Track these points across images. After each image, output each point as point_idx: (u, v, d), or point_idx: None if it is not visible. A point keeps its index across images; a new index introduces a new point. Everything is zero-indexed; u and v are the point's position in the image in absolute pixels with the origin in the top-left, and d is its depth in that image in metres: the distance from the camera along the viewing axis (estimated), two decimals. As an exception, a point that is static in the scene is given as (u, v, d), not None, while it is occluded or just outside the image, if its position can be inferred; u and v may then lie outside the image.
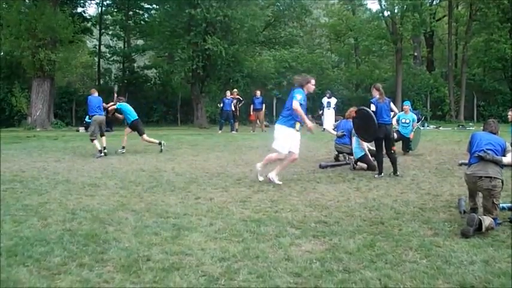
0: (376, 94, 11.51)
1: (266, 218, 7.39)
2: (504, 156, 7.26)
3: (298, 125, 10.30)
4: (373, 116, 11.07)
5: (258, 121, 28.01)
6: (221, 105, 26.69)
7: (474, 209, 7.44)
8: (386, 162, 11.45)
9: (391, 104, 11.59)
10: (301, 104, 10.03)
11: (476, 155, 7.15)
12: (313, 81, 10.57)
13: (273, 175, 10.34)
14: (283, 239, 6.30)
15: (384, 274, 5.11)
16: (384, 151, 11.46)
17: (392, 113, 11.95)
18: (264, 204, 8.36)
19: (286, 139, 10.21)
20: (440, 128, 30.10)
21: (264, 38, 39.25)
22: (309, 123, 10.01)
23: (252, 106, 27.71)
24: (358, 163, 12.15)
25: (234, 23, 31.93)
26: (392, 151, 11.50)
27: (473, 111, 37.98)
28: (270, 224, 6.99)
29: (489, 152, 7.11)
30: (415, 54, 44.14)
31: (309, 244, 6.12)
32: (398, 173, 11.25)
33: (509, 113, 12.89)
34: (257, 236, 6.44)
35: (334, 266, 5.33)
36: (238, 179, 10.88)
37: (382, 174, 11.27)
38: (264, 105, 28.16)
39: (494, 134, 7.61)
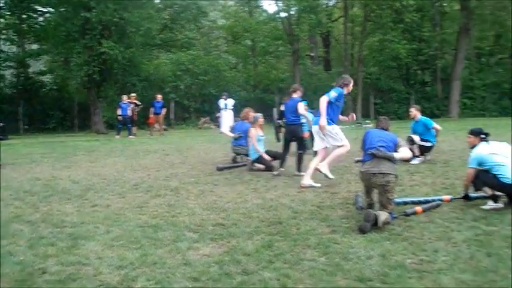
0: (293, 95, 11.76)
1: (163, 223, 7.31)
2: (396, 152, 7.44)
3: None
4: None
5: (156, 125, 27.76)
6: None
7: (370, 205, 7.59)
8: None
9: (299, 104, 11.49)
10: (332, 102, 9.95)
11: (369, 152, 7.29)
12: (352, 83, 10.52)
13: (325, 169, 10.04)
14: (181, 243, 6.25)
15: (283, 274, 5.14)
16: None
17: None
18: (162, 209, 8.27)
19: (339, 132, 10.12)
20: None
21: (161, 41, 38.94)
22: (323, 121, 9.87)
23: (151, 109, 27.43)
24: (256, 164, 12.17)
25: (130, 26, 31.59)
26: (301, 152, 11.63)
27: (369, 109, 38.89)
28: (168, 229, 6.92)
29: (381, 148, 7.27)
30: (312, 54, 44.90)
31: (207, 248, 6.08)
32: (302, 172, 11.15)
33: (412, 109, 13.26)
34: (155, 241, 6.36)
35: (233, 269, 5.32)
36: (135, 184, 10.67)
37: (282, 169, 11.65)
38: (164, 109, 27.94)
39: (386, 130, 7.81)
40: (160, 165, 13.48)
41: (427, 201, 7.98)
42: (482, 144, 7.98)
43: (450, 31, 43.55)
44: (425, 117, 13.11)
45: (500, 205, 7.51)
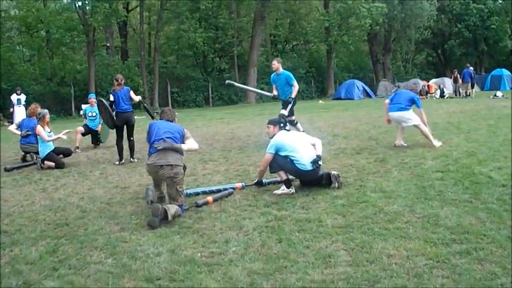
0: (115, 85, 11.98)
1: None
2: (183, 143, 7.32)
3: None
4: (108, 106, 11.63)
5: None
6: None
7: (161, 198, 7.47)
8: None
9: (131, 92, 11.91)
10: None
11: (156, 144, 7.10)
12: None
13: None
14: (-44, 257, 5.67)
15: (67, 281, 4.85)
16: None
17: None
18: None
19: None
20: (136, 116, 30.30)
21: None
22: None
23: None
24: (46, 162, 11.60)
25: None
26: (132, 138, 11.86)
27: (167, 98, 38.87)
28: None
29: (168, 140, 7.12)
30: (108, 44, 44.08)
31: (-14, 260, 5.57)
32: (135, 158, 11.86)
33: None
34: None
35: (13, 281, 4.95)
36: None
37: (123, 160, 11.69)
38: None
39: (172, 121, 7.67)
40: None
41: (219, 190, 7.96)
42: (282, 132, 8.20)
43: (246, 19, 44.65)
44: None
45: (291, 190, 7.62)
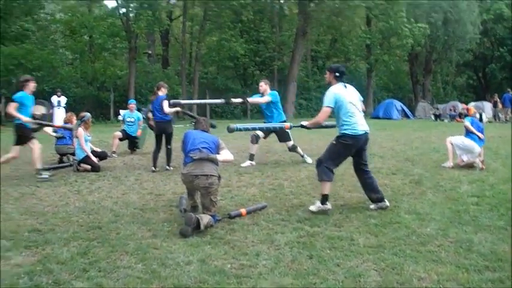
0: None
1: (-25, 229, 6.74)
2: (218, 154, 7.33)
3: None
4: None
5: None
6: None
7: (194, 207, 7.46)
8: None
9: (163, 102, 11.77)
10: None
11: (192, 154, 7.11)
12: None
13: None
14: (-9, 252, 5.74)
15: (96, 283, 4.86)
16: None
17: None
18: (-25, 214, 7.66)
19: None
20: (173, 125, 30.48)
21: (-7, 32, 36.87)
22: None
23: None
24: (82, 164, 11.72)
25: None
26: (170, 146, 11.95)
27: (206, 108, 38.99)
28: (-22, 237, 6.36)
29: (204, 150, 7.13)
30: (149, 52, 44.49)
31: (19, 256, 5.63)
32: (170, 167, 11.80)
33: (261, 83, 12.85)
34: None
35: (44, 279, 4.95)
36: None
37: (157, 168, 11.66)
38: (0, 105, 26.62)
39: (206, 132, 7.67)
40: (-18, 166, 12.64)
41: (268, 128, 8.02)
42: (339, 85, 7.67)
43: (288, 33, 44.75)
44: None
45: (327, 206, 7.44)
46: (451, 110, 36.60)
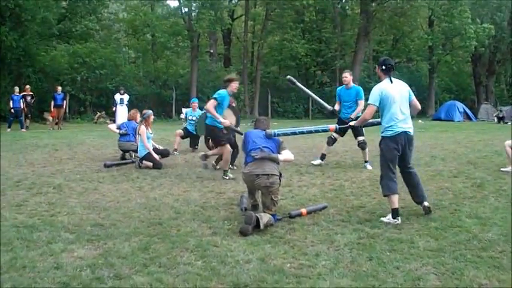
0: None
1: (41, 222, 6.93)
2: (279, 153, 7.34)
3: None
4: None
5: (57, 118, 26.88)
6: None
7: (255, 206, 7.48)
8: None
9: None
10: None
11: (253, 153, 7.14)
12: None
13: None
14: (56, 245, 5.91)
15: (156, 278, 4.92)
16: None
17: None
18: (41, 207, 7.86)
19: None
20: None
21: (59, 31, 37.61)
22: None
23: (52, 102, 26.43)
24: (144, 161, 11.89)
25: (25, 14, 30.16)
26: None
27: (267, 108, 39.06)
28: (44, 230, 6.54)
29: (265, 149, 7.15)
30: (211, 51, 44.78)
31: (82, 250, 5.77)
32: (234, 166, 11.88)
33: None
34: (28, 243, 5.99)
35: (105, 273, 5.05)
36: (17, 181, 10.11)
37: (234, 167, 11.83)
38: (65, 101, 27.19)
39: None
40: (48, 161, 12.97)
41: (310, 131, 7.98)
42: (386, 81, 7.38)
43: (350, 33, 44.48)
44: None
45: (397, 221, 7.06)
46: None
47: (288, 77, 11.50)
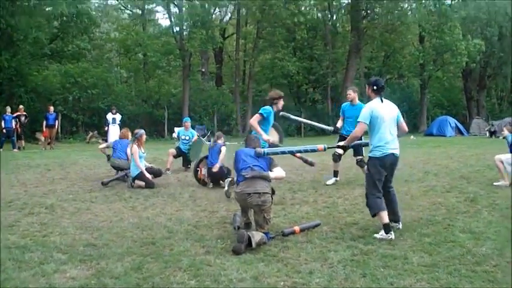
0: None
1: (33, 243, 6.89)
2: (271, 171, 7.34)
3: None
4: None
5: (42, 138, 26.78)
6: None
7: (248, 224, 7.47)
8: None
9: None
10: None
11: (244, 173, 7.14)
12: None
13: None
14: (48, 265, 5.88)
15: (149, 298, 4.87)
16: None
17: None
18: (33, 228, 7.83)
19: None
20: (226, 142, 30.71)
21: (50, 51, 37.65)
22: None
23: (45, 122, 26.28)
24: (136, 181, 11.86)
25: (17, 34, 30.28)
26: None
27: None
28: (36, 250, 6.51)
29: (256, 168, 7.15)
30: (203, 70, 44.89)
31: (74, 270, 5.74)
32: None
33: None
34: (20, 264, 5.96)
35: (98, 294, 4.99)
36: (9, 201, 10.06)
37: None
38: (57, 121, 27.15)
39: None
40: (40, 181, 12.93)
41: (299, 151, 7.99)
42: (376, 101, 7.40)
43: (341, 51, 44.69)
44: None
45: (390, 236, 7.06)
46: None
47: (282, 113, 11.28)
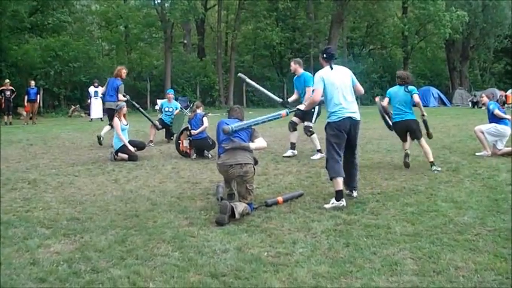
0: None
1: (16, 218, 6.84)
2: (252, 142, 7.33)
3: None
4: None
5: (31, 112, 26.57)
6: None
7: (231, 195, 7.48)
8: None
9: (203, 118, 11.98)
10: None
11: (224, 144, 7.14)
12: None
13: None
14: (32, 241, 5.84)
15: (133, 271, 4.88)
16: None
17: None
18: (16, 203, 7.75)
19: None
20: (210, 114, 30.63)
21: (30, 25, 37.21)
22: None
23: (26, 97, 26.01)
24: (119, 154, 11.82)
25: (-5, 8, 29.86)
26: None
27: (242, 97, 39.02)
28: (20, 226, 6.46)
29: (236, 139, 7.14)
30: (185, 41, 44.69)
31: (58, 244, 5.72)
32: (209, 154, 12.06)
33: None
34: (3, 239, 5.90)
35: (82, 267, 5.00)
36: (-9, 177, 10.01)
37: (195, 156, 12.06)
38: (38, 96, 26.93)
39: (241, 120, 7.66)
40: (22, 156, 12.82)
41: (264, 121, 7.92)
42: (326, 68, 7.62)
43: (324, 21, 44.53)
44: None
45: (342, 203, 7.13)
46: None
47: (239, 74, 11.96)
